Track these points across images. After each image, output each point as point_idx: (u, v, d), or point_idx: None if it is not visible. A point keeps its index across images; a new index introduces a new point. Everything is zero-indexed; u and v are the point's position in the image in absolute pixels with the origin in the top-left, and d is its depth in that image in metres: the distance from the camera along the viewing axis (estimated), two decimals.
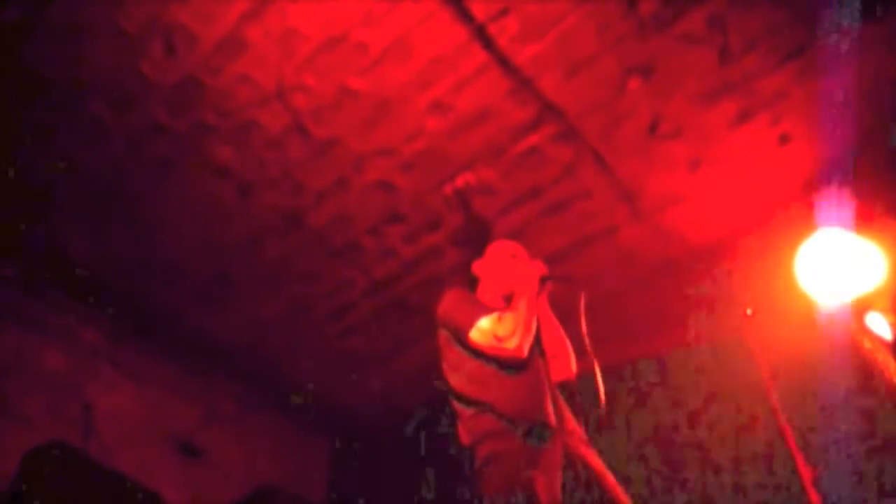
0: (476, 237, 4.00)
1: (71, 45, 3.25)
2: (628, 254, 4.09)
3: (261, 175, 3.80)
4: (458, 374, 2.51)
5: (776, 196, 3.69)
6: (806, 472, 2.14)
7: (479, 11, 3.09)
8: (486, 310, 2.53)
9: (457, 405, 2.50)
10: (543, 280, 2.63)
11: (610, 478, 2.31)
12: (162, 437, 4.61)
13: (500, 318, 2.45)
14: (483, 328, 2.45)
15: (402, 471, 4.92)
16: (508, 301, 2.62)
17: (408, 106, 3.47)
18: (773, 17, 3.02)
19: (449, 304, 2.65)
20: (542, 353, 2.60)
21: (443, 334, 2.63)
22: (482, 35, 3.17)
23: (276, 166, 3.76)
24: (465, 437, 2.42)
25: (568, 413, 2.50)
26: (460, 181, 3.77)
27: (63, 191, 3.90)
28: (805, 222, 3.23)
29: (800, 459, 2.02)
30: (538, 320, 2.58)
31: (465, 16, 3.10)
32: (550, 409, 2.40)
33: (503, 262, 2.80)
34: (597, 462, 2.36)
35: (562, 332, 2.71)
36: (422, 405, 4.98)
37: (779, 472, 3.24)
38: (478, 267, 2.86)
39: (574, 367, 2.66)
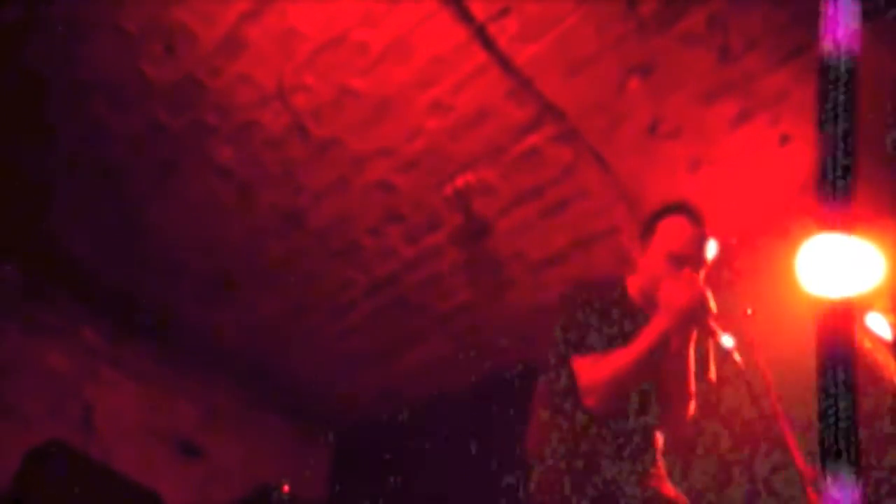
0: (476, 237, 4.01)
1: (71, 45, 3.25)
2: (628, 254, 4.08)
3: (261, 175, 3.80)
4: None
5: (776, 196, 3.69)
6: (806, 472, 2.13)
7: (479, 11, 3.08)
8: (597, 337, 2.20)
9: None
10: (697, 317, 2.12)
11: None
12: (162, 436, 4.62)
13: (597, 361, 2.15)
14: (576, 370, 2.18)
15: (402, 470, 4.91)
16: (649, 306, 2.25)
17: (408, 106, 3.47)
18: (773, 17, 3.01)
19: (563, 316, 2.29)
20: (653, 397, 2.27)
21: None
22: (482, 35, 3.16)
23: (276, 166, 3.76)
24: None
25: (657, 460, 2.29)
26: (460, 181, 3.77)
27: (63, 191, 3.91)
28: (805, 222, 3.22)
29: (800, 459, 2.02)
30: (665, 362, 2.19)
31: (465, 16, 3.10)
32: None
33: (660, 261, 2.28)
34: None
35: (690, 383, 2.28)
36: (422, 404, 4.98)
37: (778, 471, 3.23)
38: (636, 252, 2.42)
39: (688, 417, 2.32)
